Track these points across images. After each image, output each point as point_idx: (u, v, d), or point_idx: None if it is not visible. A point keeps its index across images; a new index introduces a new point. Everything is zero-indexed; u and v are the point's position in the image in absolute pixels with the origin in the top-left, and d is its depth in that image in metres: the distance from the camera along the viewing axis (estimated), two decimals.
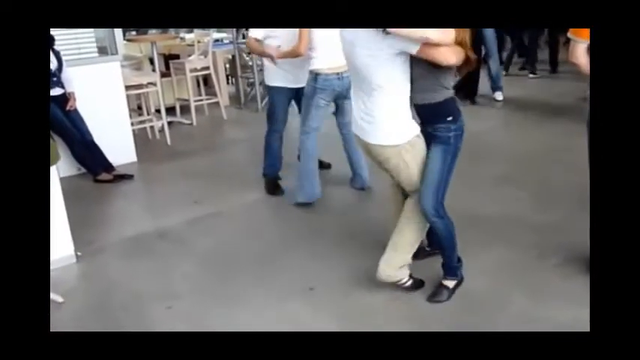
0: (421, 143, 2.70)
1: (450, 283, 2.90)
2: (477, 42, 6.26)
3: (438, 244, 3.01)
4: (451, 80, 2.65)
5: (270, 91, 4.38)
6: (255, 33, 4.11)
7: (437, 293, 2.88)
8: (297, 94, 4.28)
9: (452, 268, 2.90)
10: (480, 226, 3.59)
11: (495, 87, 7.01)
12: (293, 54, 3.89)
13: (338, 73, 3.78)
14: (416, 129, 2.69)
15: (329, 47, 3.63)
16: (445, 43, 2.41)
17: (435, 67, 2.51)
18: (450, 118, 2.64)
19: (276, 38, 4.03)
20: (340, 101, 4.08)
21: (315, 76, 3.85)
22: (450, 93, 2.64)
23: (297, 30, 3.81)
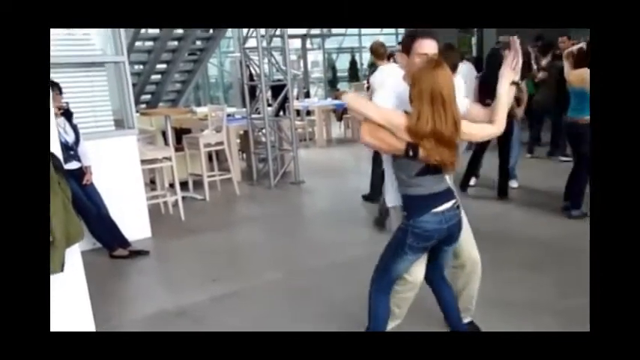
0: None
1: None
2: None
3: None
4: (408, 176, 2.67)
5: None
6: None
7: None
8: None
9: None
10: (506, 310, 3.68)
11: (511, 175, 6.92)
12: None
13: None
14: None
15: None
16: (376, 121, 2.57)
17: (394, 160, 2.72)
18: (404, 213, 2.76)
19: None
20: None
21: None
22: (410, 190, 2.69)
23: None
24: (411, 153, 2.53)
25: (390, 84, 2.95)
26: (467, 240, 3.18)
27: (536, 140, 8.78)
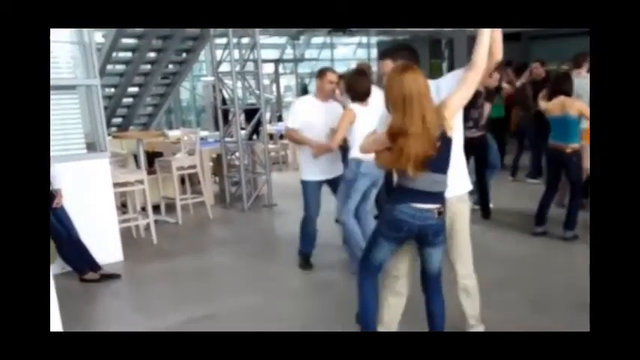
0: None
1: None
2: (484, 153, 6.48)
3: None
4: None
5: (305, 185, 4.84)
6: (291, 123, 4.73)
7: None
8: (332, 184, 4.81)
9: None
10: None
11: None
12: (326, 149, 4.54)
13: None
14: None
15: None
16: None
17: None
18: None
19: (314, 128, 4.61)
20: (370, 189, 4.56)
21: (358, 162, 4.33)
22: (402, 179, 2.92)
23: (334, 122, 4.47)
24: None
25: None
26: (462, 259, 3.34)
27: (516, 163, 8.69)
